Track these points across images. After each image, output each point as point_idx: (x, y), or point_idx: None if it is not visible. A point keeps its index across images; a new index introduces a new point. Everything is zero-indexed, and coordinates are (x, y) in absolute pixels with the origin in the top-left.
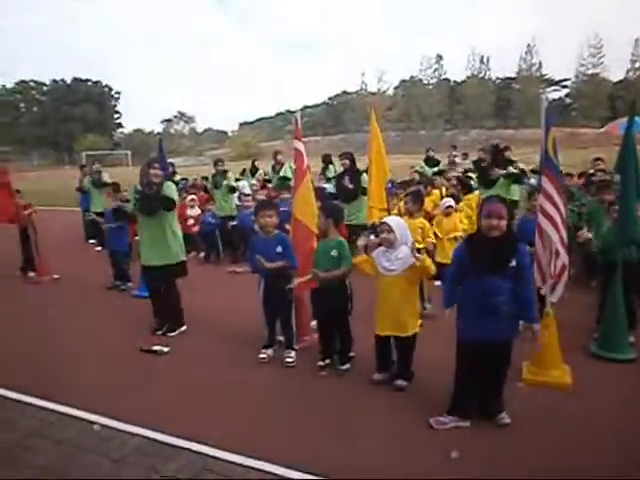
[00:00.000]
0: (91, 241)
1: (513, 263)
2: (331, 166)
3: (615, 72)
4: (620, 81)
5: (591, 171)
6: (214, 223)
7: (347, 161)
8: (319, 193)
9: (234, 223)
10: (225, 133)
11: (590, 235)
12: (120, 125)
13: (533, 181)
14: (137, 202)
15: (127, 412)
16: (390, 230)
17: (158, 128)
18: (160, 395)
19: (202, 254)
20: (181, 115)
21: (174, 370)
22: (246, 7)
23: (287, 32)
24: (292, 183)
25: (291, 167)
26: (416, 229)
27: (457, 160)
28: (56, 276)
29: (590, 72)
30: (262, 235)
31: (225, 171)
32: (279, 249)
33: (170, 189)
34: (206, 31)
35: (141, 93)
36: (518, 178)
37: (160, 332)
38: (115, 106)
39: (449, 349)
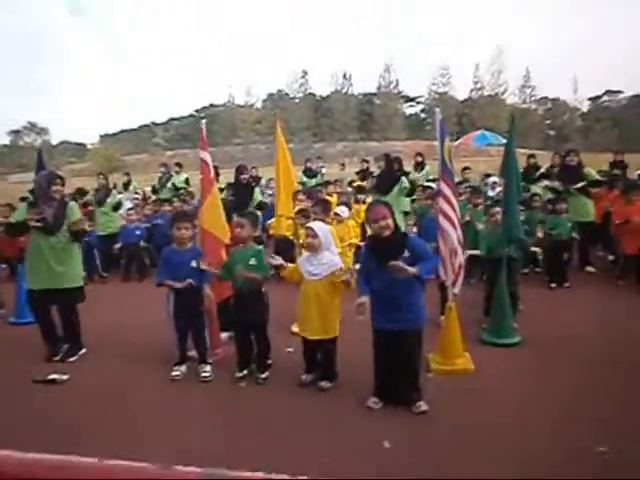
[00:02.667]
0: None
1: (406, 254)
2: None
3: (461, 92)
4: (466, 99)
5: (460, 179)
6: (93, 243)
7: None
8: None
9: (119, 245)
10: (84, 146)
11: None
12: None
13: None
14: (37, 223)
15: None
16: (315, 235)
17: (4, 140)
18: (67, 428)
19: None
20: (32, 126)
21: (81, 399)
22: (100, 18)
23: (147, 41)
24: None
25: (181, 179)
26: None
27: (323, 171)
28: None
29: (440, 91)
30: (175, 247)
31: (108, 187)
32: (194, 263)
33: (76, 213)
34: (57, 40)
35: None
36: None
37: (57, 358)
38: None
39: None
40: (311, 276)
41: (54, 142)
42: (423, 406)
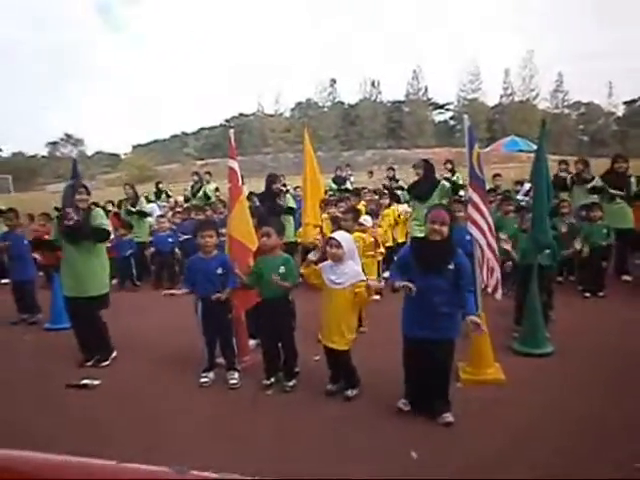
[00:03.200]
0: None
1: (451, 266)
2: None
3: (491, 97)
4: (496, 105)
5: (491, 186)
6: (129, 250)
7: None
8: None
9: (152, 250)
10: (117, 156)
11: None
12: None
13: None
14: (63, 230)
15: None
16: (338, 245)
17: (42, 152)
18: (94, 431)
19: (115, 280)
20: (68, 137)
21: (110, 404)
22: (136, 30)
23: (176, 54)
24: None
25: (212, 188)
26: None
27: (351, 179)
28: None
29: (470, 97)
30: (201, 255)
31: (136, 195)
32: (220, 270)
33: (101, 217)
34: (92, 53)
35: (21, 115)
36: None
37: (90, 363)
38: None
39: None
40: (333, 285)
41: (89, 153)
42: (449, 417)
